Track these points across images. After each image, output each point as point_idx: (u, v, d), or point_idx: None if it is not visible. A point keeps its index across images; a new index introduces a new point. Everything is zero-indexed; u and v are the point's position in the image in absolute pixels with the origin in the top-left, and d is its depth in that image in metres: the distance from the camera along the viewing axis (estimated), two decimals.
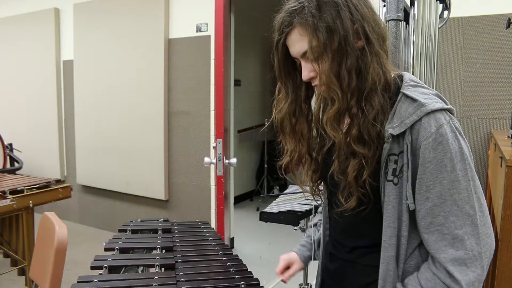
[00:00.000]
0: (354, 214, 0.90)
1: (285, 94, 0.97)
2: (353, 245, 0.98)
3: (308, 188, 1.06)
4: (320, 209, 1.23)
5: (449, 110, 0.84)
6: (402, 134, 0.83)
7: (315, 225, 1.24)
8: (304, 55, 0.87)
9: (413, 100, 0.83)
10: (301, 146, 1.00)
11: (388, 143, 0.83)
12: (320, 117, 1.01)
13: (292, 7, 0.86)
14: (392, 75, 0.90)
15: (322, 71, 0.85)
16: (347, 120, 0.90)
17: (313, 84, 0.92)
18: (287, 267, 1.21)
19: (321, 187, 1.08)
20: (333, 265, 1.06)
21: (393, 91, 0.88)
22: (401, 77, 0.90)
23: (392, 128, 0.83)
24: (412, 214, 0.85)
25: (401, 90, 0.86)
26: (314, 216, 1.32)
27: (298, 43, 0.86)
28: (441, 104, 0.83)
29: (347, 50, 0.82)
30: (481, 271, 0.80)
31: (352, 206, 0.88)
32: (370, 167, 0.85)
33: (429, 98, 0.83)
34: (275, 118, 0.99)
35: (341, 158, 0.89)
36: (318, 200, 1.09)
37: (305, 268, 1.22)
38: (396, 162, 0.84)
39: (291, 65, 0.95)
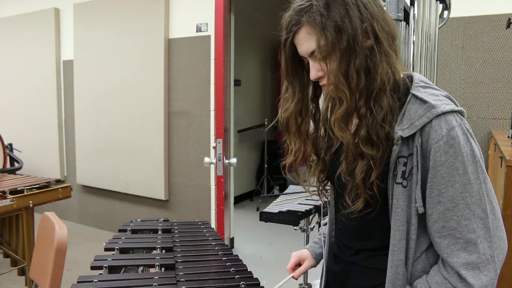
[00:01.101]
0: (360, 216, 0.88)
1: (291, 93, 0.95)
2: (358, 248, 0.97)
3: (311, 188, 1.05)
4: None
5: (459, 112, 0.82)
6: (412, 136, 0.81)
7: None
8: (312, 54, 0.86)
9: (423, 101, 0.82)
10: (306, 146, 0.98)
11: (398, 145, 0.82)
12: (328, 117, 0.99)
13: (300, 5, 0.84)
14: (402, 76, 0.89)
15: (330, 70, 0.84)
16: (355, 121, 0.89)
17: (320, 84, 0.91)
18: (298, 264, 1.20)
19: (327, 187, 1.07)
20: (338, 267, 1.05)
21: (402, 91, 0.87)
22: (410, 78, 0.89)
23: (401, 130, 0.82)
24: (421, 217, 0.84)
25: (410, 91, 0.85)
26: (323, 215, 1.31)
27: (306, 42, 0.85)
28: (451, 106, 0.81)
29: (355, 49, 0.81)
30: (494, 275, 0.80)
31: (359, 208, 0.87)
32: (378, 168, 0.84)
33: (439, 100, 0.82)
34: (281, 117, 0.97)
35: (349, 159, 0.88)
36: (324, 199, 1.08)
37: (317, 265, 1.21)
38: (405, 164, 0.83)
39: (299, 64, 0.93)
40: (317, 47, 0.83)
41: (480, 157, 0.81)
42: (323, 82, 0.89)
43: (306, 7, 0.83)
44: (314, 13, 0.82)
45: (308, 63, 0.90)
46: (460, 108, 0.83)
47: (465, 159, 0.78)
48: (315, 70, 0.87)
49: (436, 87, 0.88)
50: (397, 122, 0.84)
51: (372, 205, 0.87)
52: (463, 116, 0.84)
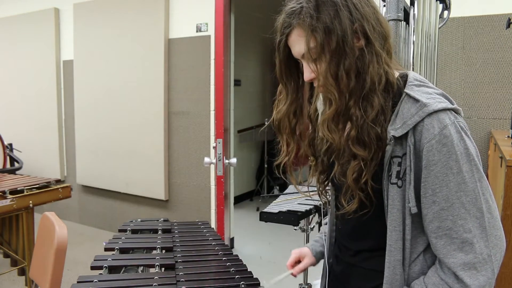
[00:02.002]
0: (357, 217, 0.88)
1: (285, 95, 0.96)
2: (356, 249, 0.97)
3: (303, 188, 1.05)
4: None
5: (454, 110, 0.82)
6: (405, 135, 0.81)
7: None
8: (304, 56, 0.86)
9: (416, 100, 0.82)
10: (299, 146, 0.99)
11: (390, 145, 0.82)
12: None
13: (291, 8, 0.85)
14: (396, 75, 0.88)
15: (320, 72, 0.84)
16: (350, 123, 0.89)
17: (314, 85, 0.91)
18: (298, 261, 1.20)
19: (328, 188, 1.07)
20: (338, 267, 1.05)
21: (396, 91, 0.86)
22: (405, 77, 0.89)
23: (394, 130, 0.82)
24: (417, 218, 0.84)
25: (404, 90, 0.85)
26: (323, 215, 1.31)
27: (297, 44, 0.86)
28: (444, 104, 0.80)
29: (345, 50, 0.81)
30: (492, 274, 0.79)
31: (353, 209, 0.87)
32: (370, 169, 0.84)
33: (432, 98, 0.82)
34: (274, 118, 0.98)
35: (342, 160, 0.88)
36: (324, 199, 1.08)
37: (317, 263, 1.21)
38: (399, 164, 0.82)
39: (294, 66, 0.94)
40: (307, 49, 0.83)
41: (475, 155, 0.80)
42: (316, 83, 0.89)
43: (297, 9, 0.84)
44: (304, 15, 0.82)
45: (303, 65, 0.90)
46: (454, 106, 0.82)
47: (459, 158, 0.78)
48: (308, 72, 0.87)
49: (431, 85, 0.87)
50: (390, 122, 0.83)
51: (367, 206, 0.86)
52: (459, 114, 0.83)
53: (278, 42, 0.90)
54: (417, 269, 0.86)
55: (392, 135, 0.81)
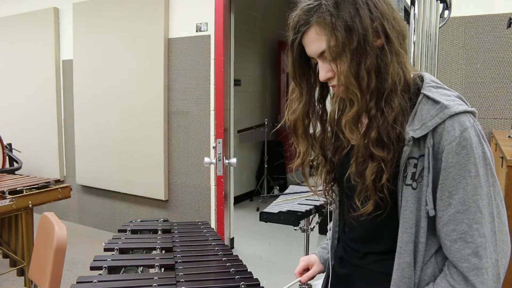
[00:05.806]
0: (369, 218, 0.87)
1: (299, 95, 0.93)
2: (366, 251, 0.95)
3: (315, 189, 1.03)
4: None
5: (472, 113, 0.81)
6: (424, 137, 0.79)
7: None
8: (321, 55, 0.84)
9: (435, 102, 0.80)
10: (313, 148, 0.97)
11: (409, 146, 0.80)
12: (336, 118, 0.98)
13: (308, 5, 0.82)
14: (412, 76, 0.87)
15: (340, 71, 0.82)
16: (365, 121, 0.87)
17: (330, 85, 0.89)
18: (306, 269, 1.19)
19: (333, 189, 1.05)
20: (343, 270, 1.03)
21: (413, 91, 0.85)
22: (421, 78, 0.87)
23: (413, 131, 0.80)
24: (431, 220, 0.82)
25: (422, 91, 0.83)
26: (329, 218, 1.31)
27: (315, 43, 0.83)
28: (464, 107, 0.80)
29: (366, 49, 0.79)
30: (497, 279, 0.78)
31: (368, 210, 0.85)
32: (389, 170, 0.82)
33: (451, 100, 0.81)
34: (288, 119, 0.95)
35: (358, 160, 0.86)
36: (330, 199, 1.06)
37: (325, 270, 1.20)
38: (415, 165, 0.81)
39: (306, 65, 0.91)
40: (327, 47, 0.81)
41: (491, 160, 0.79)
42: (333, 83, 0.87)
43: (315, 6, 0.81)
44: (323, 13, 0.80)
45: (315, 64, 0.88)
46: (472, 109, 0.81)
47: (477, 161, 0.77)
48: (324, 71, 0.85)
49: (447, 88, 0.86)
50: (408, 123, 0.82)
51: (382, 208, 0.85)
52: (475, 117, 0.82)
53: (293, 40, 0.86)
54: (429, 272, 0.84)
55: (411, 136, 0.80)
